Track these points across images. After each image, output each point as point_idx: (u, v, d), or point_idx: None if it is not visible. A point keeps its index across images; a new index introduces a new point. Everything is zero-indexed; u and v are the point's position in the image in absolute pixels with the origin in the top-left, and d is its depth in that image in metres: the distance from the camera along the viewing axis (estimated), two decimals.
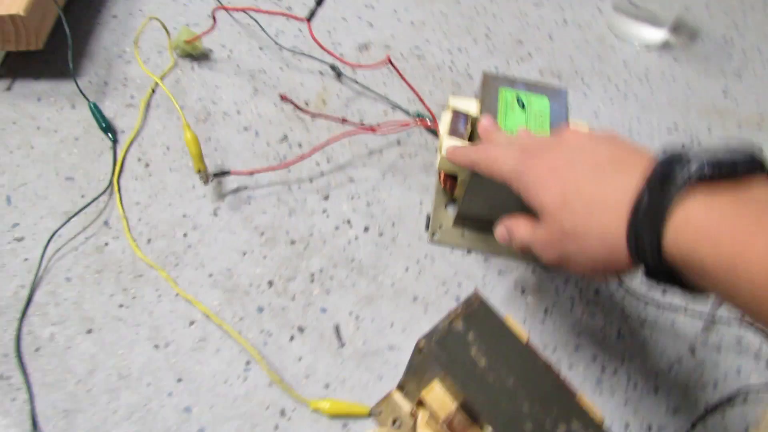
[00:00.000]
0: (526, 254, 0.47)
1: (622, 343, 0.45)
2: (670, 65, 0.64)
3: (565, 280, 0.47)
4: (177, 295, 0.41)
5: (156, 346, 0.39)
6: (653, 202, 0.26)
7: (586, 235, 0.30)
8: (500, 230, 0.38)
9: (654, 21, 0.63)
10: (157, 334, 0.40)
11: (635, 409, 0.42)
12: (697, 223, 0.25)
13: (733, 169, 0.25)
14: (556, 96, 0.46)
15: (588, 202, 0.30)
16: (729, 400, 0.43)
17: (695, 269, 0.26)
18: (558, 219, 0.31)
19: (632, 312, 0.46)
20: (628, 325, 0.46)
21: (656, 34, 0.64)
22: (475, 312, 0.35)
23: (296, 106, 0.52)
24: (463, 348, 0.33)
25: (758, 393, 0.44)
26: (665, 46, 0.66)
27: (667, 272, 0.27)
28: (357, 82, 0.55)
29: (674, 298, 0.47)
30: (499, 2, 0.67)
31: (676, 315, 0.47)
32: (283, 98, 0.48)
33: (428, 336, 0.33)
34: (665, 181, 0.26)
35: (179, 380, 0.38)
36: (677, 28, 0.67)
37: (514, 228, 0.37)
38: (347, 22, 0.61)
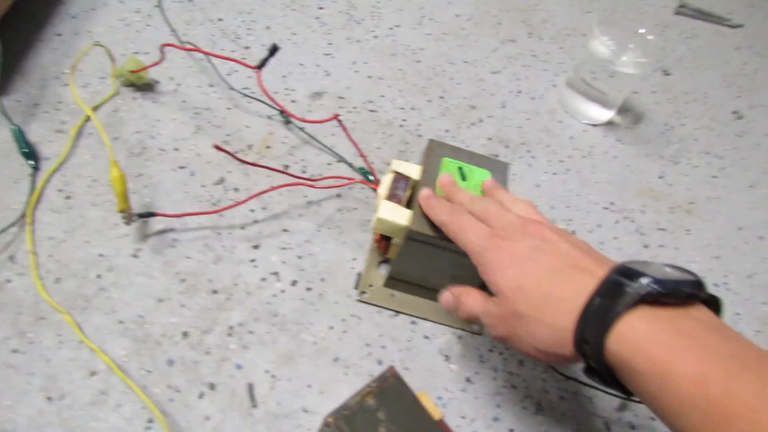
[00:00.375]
0: (460, 321, 0.47)
1: (540, 416, 0.44)
2: (613, 144, 0.66)
3: (490, 349, 0.47)
4: (80, 342, 0.39)
5: (49, 399, 0.36)
6: (602, 307, 0.29)
7: (537, 322, 0.32)
8: (446, 296, 0.40)
9: (603, 101, 0.65)
10: (52, 385, 0.37)
11: None
12: (637, 334, 0.28)
13: (677, 291, 0.29)
14: (498, 169, 0.47)
15: (544, 294, 0.32)
16: None
17: (630, 373, 0.28)
18: (512, 301, 0.33)
19: (553, 385, 0.46)
20: (548, 398, 0.46)
21: (604, 114, 0.67)
22: (389, 388, 0.34)
23: (231, 155, 0.49)
24: (371, 427, 0.32)
25: None
26: (610, 125, 0.68)
27: (605, 371, 0.30)
28: (304, 131, 0.54)
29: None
30: (458, 66, 0.68)
31: (595, 391, 0.47)
32: (217, 148, 0.46)
33: (337, 412, 0.32)
34: (616, 292, 0.29)
35: None
36: (623, 109, 0.70)
37: (464, 297, 0.38)
38: (304, 67, 0.61)
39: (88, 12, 0.58)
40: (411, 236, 0.42)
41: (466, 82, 0.66)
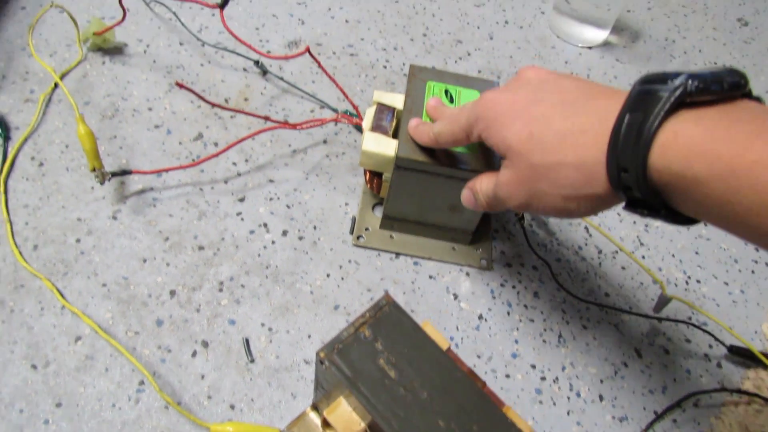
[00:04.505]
0: (466, 258, 0.44)
1: (563, 348, 0.42)
2: (612, 65, 0.62)
3: (501, 284, 0.44)
4: (63, 307, 0.37)
5: (33, 367, 0.35)
6: (635, 122, 0.24)
7: (560, 165, 0.27)
8: (465, 193, 0.36)
9: (596, 22, 0.61)
10: (36, 353, 0.35)
11: (578, 419, 0.39)
12: (688, 136, 0.23)
13: (719, 80, 0.24)
14: (488, 89, 0.44)
15: (560, 132, 0.27)
16: (679, 405, 0.40)
17: (688, 184, 0.24)
18: (525, 154, 0.29)
19: (573, 315, 0.43)
20: (569, 328, 0.43)
21: (598, 35, 0.63)
22: (386, 317, 0.31)
23: (195, 94, 0.44)
24: (370, 358, 0.30)
25: (710, 396, 0.41)
26: (607, 46, 0.64)
27: (653, 197, 0.25)
28: (283, 80, 0.52)
29: (618, 298, 0.45)
30: (438, 2, 0.65)
31: (620, 316, 0.44)
32: (179, 85, 0.42)
33: (329, 346, 0.30)
34: (648, 101, 0.24)
35: (58, 405, 0.34)
36: (619, 29, 0.66)
37: (476, 184, 0.35)
38: (277, 18, 0.58)
39: None
40: (399, 164, 0.39)
41: (448, 17, 0.63)
